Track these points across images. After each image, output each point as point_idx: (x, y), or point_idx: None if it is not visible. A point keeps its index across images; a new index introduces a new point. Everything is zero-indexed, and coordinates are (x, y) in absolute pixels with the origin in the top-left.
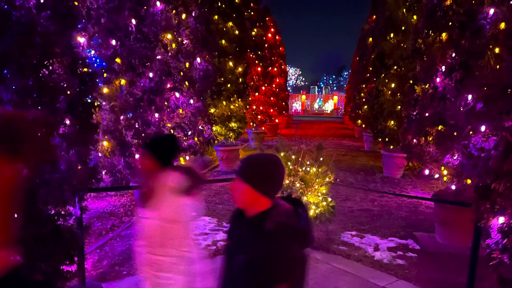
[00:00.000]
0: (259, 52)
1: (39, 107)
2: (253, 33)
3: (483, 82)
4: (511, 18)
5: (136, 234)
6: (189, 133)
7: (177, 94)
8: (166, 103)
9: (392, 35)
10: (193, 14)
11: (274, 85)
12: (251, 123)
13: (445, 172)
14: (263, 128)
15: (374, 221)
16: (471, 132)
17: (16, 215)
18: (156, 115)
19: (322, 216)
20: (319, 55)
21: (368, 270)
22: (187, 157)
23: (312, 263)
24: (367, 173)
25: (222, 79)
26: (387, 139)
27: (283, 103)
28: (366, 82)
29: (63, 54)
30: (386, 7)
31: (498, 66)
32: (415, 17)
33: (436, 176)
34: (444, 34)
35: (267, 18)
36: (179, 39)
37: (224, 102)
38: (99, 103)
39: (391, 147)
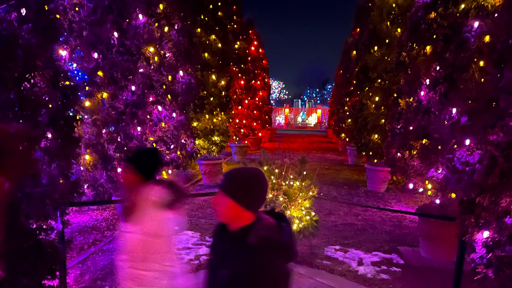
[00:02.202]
0: (242, 65)
1: (21, 121)
2: (236, 46)
3: (467, 96)
4: (496, 31)
5: (118, 249)
6: (172, 146)
7: (159, 108)
8: (148, 116)
9: (376, 48)
10: (176, 27)
11: (257, 99)
12: (234, 137)
13: (429, 186)
14: (246, 142)
15: (358, 236)
16: (455, 146)
17: None
18: (139, 128)
19: (305, 231)
20: (302, 69)
21: (352, 284)
22: (170, 171)
23: (295, 277)
24: (351, 187)
25: (205, 92)
26: (371, 153)
27: (266, 117)
28: (349, 95)
29: (45, 67)
30: (370, 20)
31: (482, 80)
32: (399, 30)
33: (421, 190)
34: (428, 47)
35: (250, 31)
36: (162, 52)
37: (207, 116)
38: (81, 117)
39: (375, 161)
